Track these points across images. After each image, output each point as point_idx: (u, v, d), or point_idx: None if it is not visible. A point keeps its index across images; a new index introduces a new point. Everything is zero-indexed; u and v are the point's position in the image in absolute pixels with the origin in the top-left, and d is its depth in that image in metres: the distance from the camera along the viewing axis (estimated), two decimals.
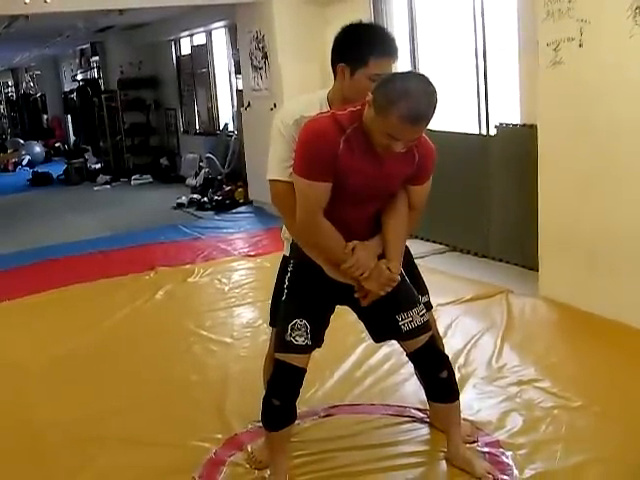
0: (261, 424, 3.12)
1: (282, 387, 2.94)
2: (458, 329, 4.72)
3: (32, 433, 3.86)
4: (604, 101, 4.43)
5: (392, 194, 2.81)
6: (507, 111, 6.22)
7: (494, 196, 6.22)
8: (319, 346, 2.98)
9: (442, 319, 4.85)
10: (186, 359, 4.70)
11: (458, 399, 3.12)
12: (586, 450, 3.20)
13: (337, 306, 3.02)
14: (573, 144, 4.72)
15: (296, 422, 3.57)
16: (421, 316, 2.97)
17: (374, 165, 2.67)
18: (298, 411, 3.65)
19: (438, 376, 3.00)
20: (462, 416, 3.49)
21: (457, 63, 6.83)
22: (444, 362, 3.05)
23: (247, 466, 3.31)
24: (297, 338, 2.86)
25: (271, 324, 3.32)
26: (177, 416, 3.89)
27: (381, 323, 3.00)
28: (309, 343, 2.89)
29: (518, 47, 5.82)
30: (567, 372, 3.98)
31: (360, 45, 2.78)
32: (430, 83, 2.55)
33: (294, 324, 2.87)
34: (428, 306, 3.32)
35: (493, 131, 6.30)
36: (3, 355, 5.00)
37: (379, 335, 3.12)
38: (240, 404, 3.86)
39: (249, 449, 3.42)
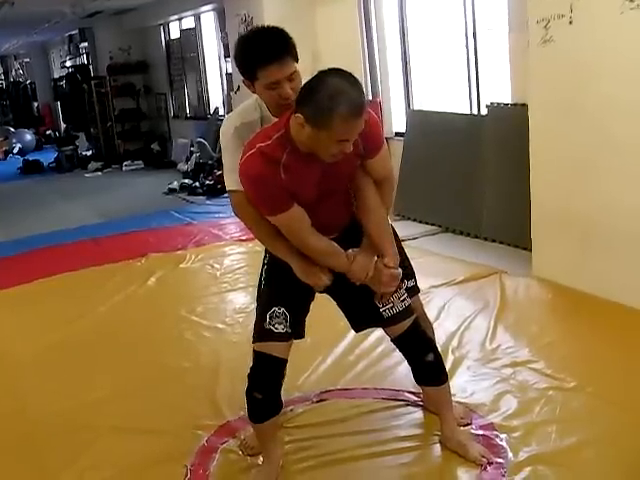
0: None
1: (263, 379, 2.89)
2: (451, 311, 4.68)
3: (25, 423, 3.84)
4: (595, 79, 4.38)
5: (351, 178, 2.77)
6: (498, 90, 6.18)
7: (486, 176, 6.18)
8: (300, 336, 2.96)
9: (435, 301, 4.85)
10: (178, 345, 4.66)
11: (447, 381, 3.10)
12: (580, 431, 3.17)
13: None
14: (564, 123, 4.67)
15: (289, 408, 3.60)
16: (402, 301, 2.95)
17: (322, 171, 2.64)
18: (291, 397, 3.68)
19: (424, 360, 2.98)
20: (456, 399, 3.48)
21: (447, 43, 6.78)
22: (429, 345, 3.03)
23: (240, 453, 3.29)
24: (277, 326, 2.84)
25: None
26: (170, 403, 3.86)
27: (362, 310, 2.98)
28: (289, 331, 2.86)
29: (508, 25, 5.76)
30: (561, 353, 3.95)
31: (247, 59, 2.71)
32: (343, 71, 2.50)
33: (272, 312, 2.84)
34: (415, 290, 3.29)
35: (484, 111, 6.27)
36: None
37: (359, 323, 3.09)
38: (232, 391, 3.81)
39: (241, 436, 3.39)
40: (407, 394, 3.58)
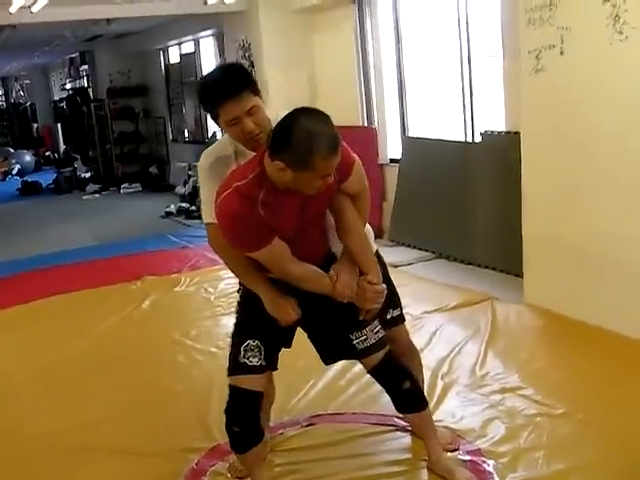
0: None
1: (240, 414, 2.91)
2: (443, 336, 4.72)
3: (20, 443, 3.86)
4: (586, 108, 4.45)
5: (328, 206, 2.81)
6: (492, 118, 6.25)
7: (480, 203, 6.24)
8: (274, 369, 2.99)
9: (427, 326, 4.89)
10: (171, 369, 4.69)
11: (427, 407, 3.13)
12: (568, 458, 3.20)
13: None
14: (556, 151, 4.73)
15: (279, 431, 3.62)
16: (375, 333, 2.97)
17: (301, 204, 2.67)
18: (282, 420, 3.71)
19: (401, 388, 3.00)
20: (444, 424, 3.53)
21: (442, 71, 6.86)
22: (405, 373, 3.04)
23: (228, 475, 3.32)
24: (251, 359, 2.86)
25: None
26: (162, 426, 3.89)
27: (334, 343, 3.00)
28: (263, 364, 2.88)
29: (502, 54, 5.84)
30: (550, 379, 3.99)
31: (205, 98, 2.77)
32: (309, 109, 2.54)
33: (247, 345, 2.86)
34: (400, 319, 3.31)
35: (478, 138, 6.33)
36: None
37: (330, 355, 3.10)
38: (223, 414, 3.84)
39: (230, 459, 3.41)
40: (396, 419, 3.59)
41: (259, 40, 8.29)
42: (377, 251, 3.20)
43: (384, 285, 2.89)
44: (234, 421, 2.91)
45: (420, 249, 6.97)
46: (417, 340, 4.59)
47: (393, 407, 3.60)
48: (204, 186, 2.89)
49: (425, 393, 3.72)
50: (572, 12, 4.38)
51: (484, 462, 3.20)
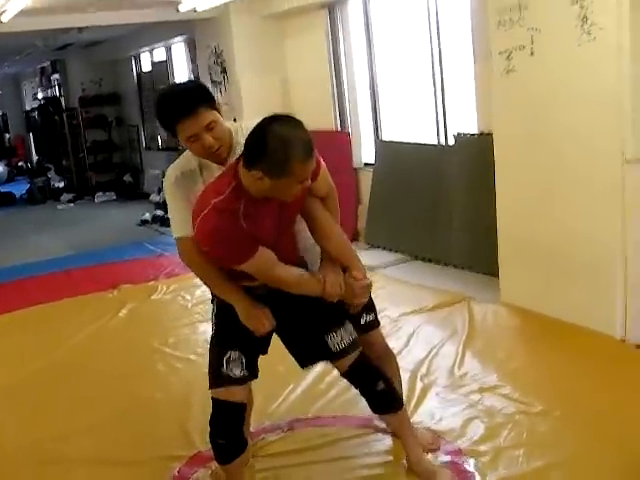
0: None
1: (225, 426, 2.91)
2: (420, 338, 4.75)
3: None
4: (555, 108, 4.50)
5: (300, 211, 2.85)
6: (465, 120, 6.28)
7: (455, 205, 6.27)
8: (255, 377, 2.98)
9: (405, 328, 4.91)
10: (150, 377, 4.68)
11: (402, 407, 3.14)
12: (547, 454, 3.23)
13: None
14: (528, 151, 4.78)
15: (260, 436, 3.63)
16: (349, 334, 2.99)
17: (278, 210, 2.70)
18: (262, 425, 3.71)
19: (375, 389, 3.00)
20: (424, 425, 3.55)
21: (414, 74, 6.89)
22: (378, 374, 3.04)
23: None
24: (234, 370, 2.86)
25: None
26: (142, 434, 3.88)
27: (309, 345, 3.01)
28: (246, 374, 2.89)
29: (473, 56, 5.88)
30: (528, 377, 4.03)
31: (162, 118, 2.78)
32: (281, 116, 2.55)
33: (228, 356, 2.86)
34: (374, 324, 3.32)
35: (452, 141, 6.37)
36: None
37: (306, 359, 3.10)
38: (204, 421, 3.73)
39: (212, 466, 3.41)
40: (376, 422, 3.60)
41: (231, 46, 8.28)
42: None
43: (369, 278, 2.91)
44: (219, 434, 2.90)
45: (396, 251, 6.99)
46: (395, 342, 4.65)
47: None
48: (171, 201, 2.90)
49: (404, 395, 3.77)
50: (542, 13, 4.43)
51: (465, 462, 3.23)
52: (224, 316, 2.93)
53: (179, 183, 2.87)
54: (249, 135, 2.55)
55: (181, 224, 2.84)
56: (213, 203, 2.56)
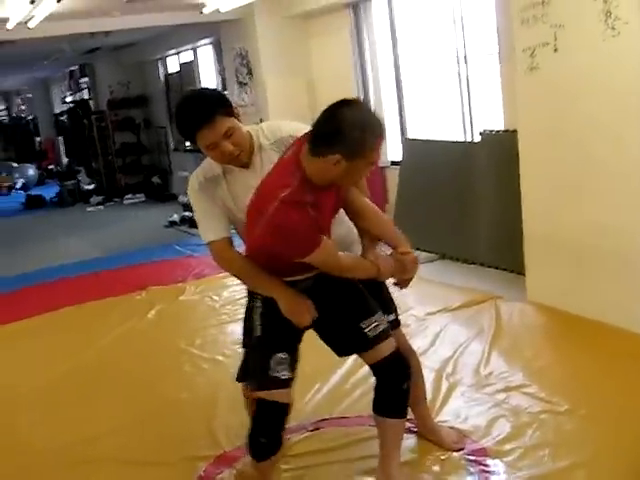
0: None
1: (269, 426, 2.89)
2: (447, 337, 4.73)
3: (25, 456, 3.88)
4: (580, 104, 4.46)
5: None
6: (492, 117, 6.26)
7: (482, 202, 6.24)
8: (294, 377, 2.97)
9: (431, 327, 4.91)
10: (177, 377, 4.71)
11: (406, 417, 3.10)
12: (573, 454, 3.20)
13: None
14: (553, 148, 4.75)
15: (286, 437, 3.61)
16: (383, 322, 3.01)
17: (335, 199, 2.72)
18: (288, 425, 3.70)
19: (401, 387, 2.97)
20: (449, 424, 3.55)
21: (440, 71, 6.87)
22: (408, 374, 3.01)
23: None
24: (283, 373, 2.84)
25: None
26: (168, 434, 3.91)
27: (346, 334, 3.00)
28: (291, 376, 2.89)
29: (498, 53, 5.86)
30: (554, 376, 4.00)
31: (180, 128, 2.82)
32: (349, 100, 2.57)
33: (276, 359, 2.83)
34: (395, 323, 3.30)
35: (478, 138, 6.34)
36: None
37: (343, 348, 3.10)
38: (229, 421, 3.86)
39: (238, 466, 3.44)
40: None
41: (256, 47, 8.32)
42: None
43: (415, 253, 2.91)
44: (262, 433, 2.89)
45: (423, 250, 6.95)
46: (421, 341, 4.66)
47: None
48: (198, 207, 2.91)
49: (429, 394, 3.79)
50: (565, 9, 4.40)
51: (489, 461, 3.21)
52: (270, 316, 2.90)
53: (203, 188, 2.88)
54: (319, 122, 2.55)
55: (211, 228, 2.86)
56: (282, 197, 2.54)
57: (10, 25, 6.73)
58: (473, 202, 6.36)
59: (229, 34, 8.96)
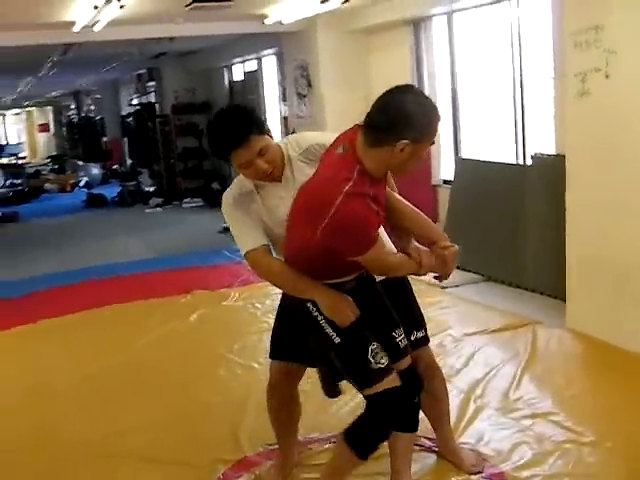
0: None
1: (402, 409, 2.85)
2: (480, 359, 4.70)
3: (55, 448, 4.00)
4: (630, 131, 4.41)
5: None
6: (544, 141, 6.21)
7: (530, 226, 6.19)
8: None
9: (466, 348, 4.88)
10: (211, 381, 4.78)
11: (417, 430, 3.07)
12: None
13: None
14: (600, 174, 4.69)
15: (307, 446, 3.67)
16: (405, 336, 3.00)
17: (384, 190, 2.71)
18: (310, 436, 3.75)
19: (412, 401, 2.94)
20: (470, 446, 3.53)
21: (496, 92, 6.85)
22: (421, 387, 3.00)
23: None
24: (382, 360, 2.78)
25: (271, 356, 3.38)
26: (194, 436, 3.97)
27: (380, 339, 2.91)
28: (390, 360, 2.83)
29: (553, 76, 5.81)
30: (584, 406, 3.94)
31: (214, 149, 2.84)
32: (398, 86, 2.58)
33: (372, 351, 2.78)
34: (424, 340, 3.28)
35: (529, 161, 6.29)
36: (37, 372, 5.19)
37: None
38: (255, 427, 3.91)
39: (256, 471, 3.49)
40: (423, 439, 3.59)
41: (316, 60, 8.40)
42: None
43: (455, 246, 2.88)
44: (384, 425, 2.84)
45: (470, 271, 6.92)
46: (455, 362, 4.65)
47: (420, 428, 3.60)
48: (233, 221, 2.93)
49: (455, 414, 3.78)
50: (618, 35, 4.35)
51: None
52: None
53: (238, 203, 2.90)
54: (381, 112, 2.53)
55: (248, 238, 2.87)
56: (346, 190, 2.49)
57: (76, 28, 6.94)
58: (522, 225, 6.30)
59: (291, 45, 9.06)
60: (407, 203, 2.91)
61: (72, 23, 6.89)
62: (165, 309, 6.44)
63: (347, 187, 2.49)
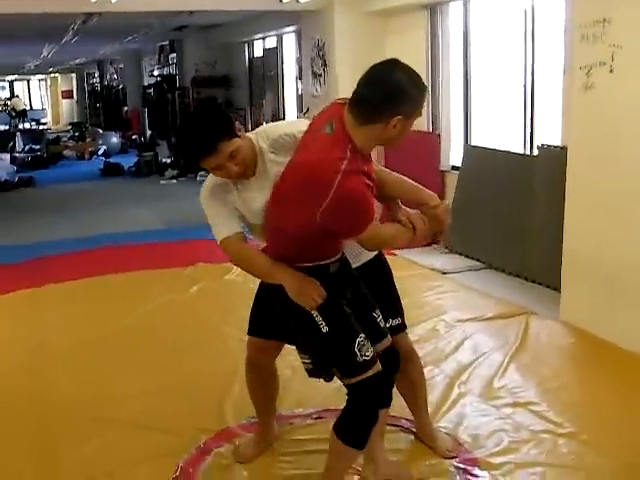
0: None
1: (386, 390, 2.90)
2: (470, 345, 4.74)
3: (45, 407, 4.13)
4: (633, 127, 4.40)
5: None
6: (552, 132, 6.20)
7: (533, 216, 6.20)
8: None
9: (457, 334, 4.93)
10: (203, 352, 4.85)
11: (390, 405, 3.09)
12: (563, 476, 3.21)
13: None
14: (601, 169, 4.69)
15: (289, 421, 3.74)
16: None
17: (372, 165, 2.70)
18: (293, 412, 3.82)
19: (390, 378, 2.97)
20: (448, 431, 3.58)
21: (507, 81, 6.84)
22: (398, 366, 3.04)
23: (231, 458, 3.46)
24: (367, 353, 2.78)
25: (249, 332, 3.40)
26: (181, 405, 4.06)
27: (362, 321, 2.93)
28: (374, 350, 2.85)
29: (563, 68, 5.79)
30: (566, 398, 3.97)
31: (185, 156, 2.96)
32: (386, 62, 2.58)
33: (358, 344, 2.77)
34: (400, 328, 3.29)
35: (536, 151, 6.29)
36: (37, 335, 5.30)
37: None
38: (240, 400, 3.96)
39: (237, 442, 3.56)
40: (403, 421, 3.64)
41: (332, 40, 8.40)
42: (382, 256, 3.27)
43: (445, 201, 2.89)
44: (382, 401, 2.90)
45: (472, 258, 6.96)
46: (444, 346, 4.71)
47: (406, 410, 3.62)
48: (209, 210, 2.93)
49: (437, 399, 3.85)
50: (624, 30, 4.34)
51: (477, 471, 3.24)
52: (334, 311, 2.81)
53: (214, 194, 2.90)
54: (371, 89, 2.51)
55: (222, 227, 2.90)
56: (343, 170, 2.46)
57: None
58: (525, 215, 6.31)
59: (309, 24, 9.06)
60: (389, 171, 2.92)
61: None
62: (167, 280, 6.51)
63: (343, 166, 2.47)
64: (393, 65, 2.55)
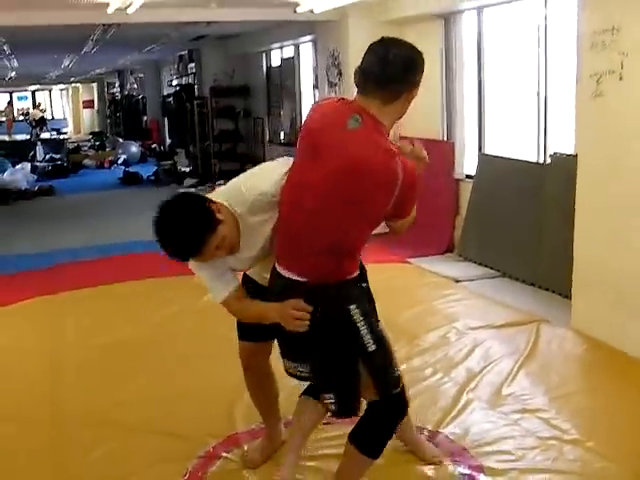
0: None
1: (406, 404, 2.93)
2: (480, 353, 4.75)
3: (55, 411, 4.19)
4: None
5: None
6: (565, 140, 6.21)
7: (546, 224, 6.20)
8: None
9: (468, 342, 4.95)
10: (214, 360, 4.87)
11: None
12: None
13: None
14: (610, 178, 4.69)
15: None
16: None
17: None
18: None
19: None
20: (454, 437, 3.59)
21: (520, 90, 6.86)
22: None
23: (239, 463, 3.50)
24: (398, 367, 2.86)
25: (239, 337, 3.51)
26: (192, 410, 4.11)
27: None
28: None
29: (576, 77, 5.80)
30: (575, 405, 3.98)
31: (172, 254, 2.82)
32: (385, 40, 2.71)
33: (394, 359, 2.85)
34: None
35: (549, 160, 6.30)
36: (50, 340, 5.38)
37: None
38: (250, 406, 3.97)
39: (245, 447, 3.59)
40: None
41: (347, 49, 8.46)
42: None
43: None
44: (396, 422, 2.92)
45: (485, 266, 6.96)
46: (454, 354, 4.70)
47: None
48: (200, 274, 2.96)
49: (447, 404, 3.87)
50: (634, 38, 4.35)
51: (482, 477, 3.25)
52: (377, 328, 2.81)
53: (196, 263, 2.93)
54: (387, 67, 2.61)
55: (218, 288, 2.96)
56: (396, 155, 2.55)
57: (110, 10, 7.06)
58: (538, 223, 6.31)
59: (324, 34, 9.12)
60: None
61: (106, 4, 7.01)
62: (179, 288, 6.48)
63: (395, 149, 2.57)
64: (390, 41, 2.69)
